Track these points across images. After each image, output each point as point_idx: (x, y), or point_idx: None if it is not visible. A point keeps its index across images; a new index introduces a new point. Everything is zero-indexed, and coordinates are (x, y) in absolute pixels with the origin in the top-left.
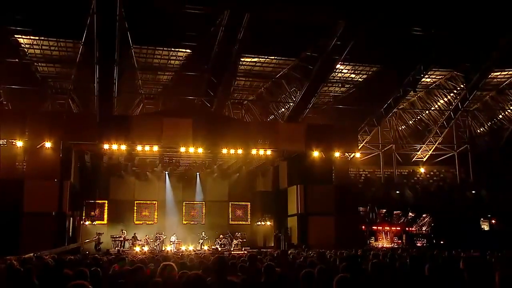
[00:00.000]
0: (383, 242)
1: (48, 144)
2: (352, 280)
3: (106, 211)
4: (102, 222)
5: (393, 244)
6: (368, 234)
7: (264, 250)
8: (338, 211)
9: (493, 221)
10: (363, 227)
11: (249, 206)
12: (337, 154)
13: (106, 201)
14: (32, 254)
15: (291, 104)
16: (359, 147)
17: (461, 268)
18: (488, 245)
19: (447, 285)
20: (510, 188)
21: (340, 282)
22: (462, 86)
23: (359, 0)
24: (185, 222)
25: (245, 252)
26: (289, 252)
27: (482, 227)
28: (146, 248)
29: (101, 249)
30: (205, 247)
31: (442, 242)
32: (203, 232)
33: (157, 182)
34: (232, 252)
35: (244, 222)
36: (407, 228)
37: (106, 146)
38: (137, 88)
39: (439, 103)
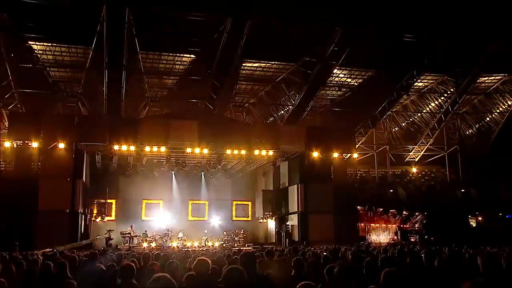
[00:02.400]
0: (380, 238)
1: (61, 145)
2: (399, 274)
3: (115, 209)
4: (112, 219)
5: (389, 240)
6: (366, 230)
7: (266, 246)
8: (337, 209)
9: (480, 218)
10: (362, 224)
11: (251, 204)
12: (335, 154)
13: (116, 199)
14: (53, 249)
15: (290, 107)
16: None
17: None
18: (476, 241)
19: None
20: (497, 187)
21: (388, 276)
22: (452, 90)
23: (355, 9)
24: (190, 220)
25: (250, 248)
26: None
27: (470, 223)
28: (153, 244)
29: (112, 244)
30: (209, 243)
31: (432, 238)
32: (206, 230)
33: (164, 181)
34: (236, 248)
35: (246, 220)
36: (401, 225)
37: (116, 147)
38: (143, 92)
39: (430, 106)
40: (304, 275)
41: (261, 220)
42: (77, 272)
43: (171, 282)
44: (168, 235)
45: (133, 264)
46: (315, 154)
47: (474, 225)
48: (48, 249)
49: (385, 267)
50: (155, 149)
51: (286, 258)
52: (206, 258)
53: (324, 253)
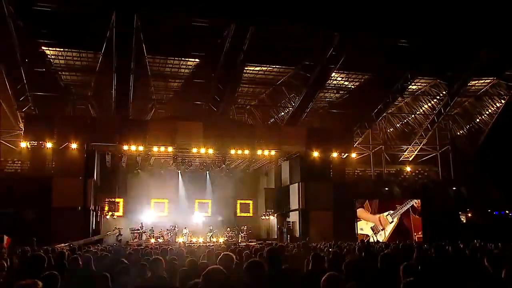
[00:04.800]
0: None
1: (73, 146)
2: (417, 267)
3: (124, 206)
4: (121, 216)
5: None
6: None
7: (269, 241)
8: (336, 206)
9: (469, 215)
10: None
11: (254, 202)
12: (334, 154)
13: (125, 197)
14: (69, 245)
15: (290, 108)
16: None
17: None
18: (467, 236)
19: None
20: (486, 185)
21: (406, 269)
22: (444, 92)
23: (353, 15)
24: (196, 217)
25: (255, 244)
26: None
27: (461, 220)
28: (160, 240)
29: (122, 240)
30: (214, 239)
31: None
32: (211, 226)
33: (170, 180)
34: (244, 244)
35: (249, 217)
36: None
37: (125, 147)
38: (150, 94)
39: (423, 108)
40: (322, 269)
41: (264, 217)
42: (101, 266)
43: (224, 273)
44: (174, 232)
45: (161, 258)
46: (315, 154)
47: (464, 221)
48: (63, 244)
49: (395, 262)
50: (162, 149)
51: (298, 253)
52: (230, 253)
53: (330, 249)
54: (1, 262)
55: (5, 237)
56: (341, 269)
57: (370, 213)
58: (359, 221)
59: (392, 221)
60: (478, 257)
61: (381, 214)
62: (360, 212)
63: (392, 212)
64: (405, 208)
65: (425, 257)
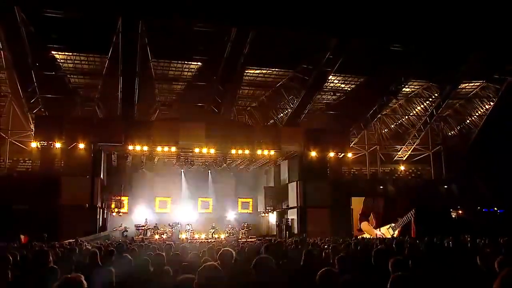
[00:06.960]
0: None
1: (81, 146)
2: (406, 261)
3: (129, 204)
4: (126, 214)
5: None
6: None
7: (269, 238)
8: (333, 204)
9: (460, 212)
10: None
11: (254, 200)
12: (331, 154)
13: (130, 195)
14: (76, 240)
15: (289, 110)
16: None
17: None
18: (458, 232)
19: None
20: (475, 183)
21: (396, 264)
22: (436, 95)
23: (349, 21)
24: (198, 214)
25: (255, 240)
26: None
27: (452, 216)
28: (164, 236)
29: (128, 236)
30: (216, 236)
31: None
32: (213, 223)
33: (174, 178)
34: (243, 240)
35: (249, 214)
36: None
37: (130, 147)
38: (154, 96)
39: (416, 110)
40: (317, 264)
41: (263, 214)
42: (107, 261)
43: (219, 270)
44: (177, 228)
45: (163, 254)
46: (313, 154)
47: (455, 217)
48: (72, 240)
49: (388, 257)
50: (166, 149)
51: (296, 249)
52: (230, 249)
53: (326, 245)
54: (7, 256)
55: (22, 237)
56: (335, 263)
57: (374, 226)
58: (363, 234)
59: (393, 234)
60: (468, 251)
61: (383, 227)
62: (364, 225)
63: (393, 224)
64: (406, 221)
65: (416, 251)
